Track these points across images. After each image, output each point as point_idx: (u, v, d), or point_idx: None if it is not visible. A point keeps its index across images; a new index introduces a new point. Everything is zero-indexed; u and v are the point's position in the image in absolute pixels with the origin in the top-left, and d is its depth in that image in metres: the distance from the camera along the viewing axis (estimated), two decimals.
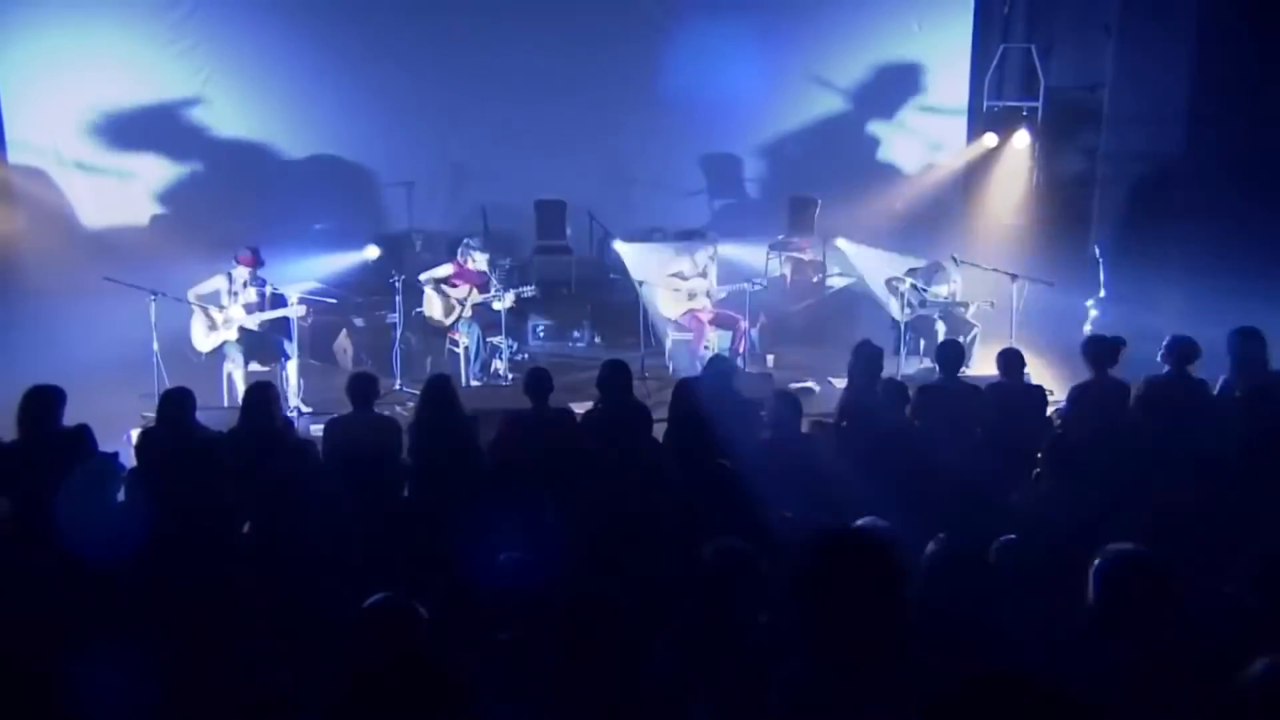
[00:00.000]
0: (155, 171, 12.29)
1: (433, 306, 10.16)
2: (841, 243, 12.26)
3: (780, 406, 6.52)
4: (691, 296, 10.21)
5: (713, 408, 6.80)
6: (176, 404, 6.43)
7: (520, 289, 10.18)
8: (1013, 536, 4.60)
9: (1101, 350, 7.19)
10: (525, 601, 4.28)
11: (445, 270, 10.21)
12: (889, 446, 6.42)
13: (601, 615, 3.49)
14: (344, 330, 10.73)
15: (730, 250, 11.81)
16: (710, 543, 4.32)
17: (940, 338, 9.95)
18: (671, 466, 6.36)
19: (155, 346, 8.85)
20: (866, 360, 7.31)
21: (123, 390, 9.13)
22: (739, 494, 5.68)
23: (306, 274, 10.93)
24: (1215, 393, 7.32)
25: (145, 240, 11.73)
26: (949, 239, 11.67)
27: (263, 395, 6.66)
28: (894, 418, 6.79)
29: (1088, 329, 10.75)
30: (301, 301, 9.20)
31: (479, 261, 10.25)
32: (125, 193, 12.19)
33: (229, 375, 9.21)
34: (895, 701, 2.90)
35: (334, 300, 10.01)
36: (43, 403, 6.12)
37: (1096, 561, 2.93)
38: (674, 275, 10.26)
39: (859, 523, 4.47)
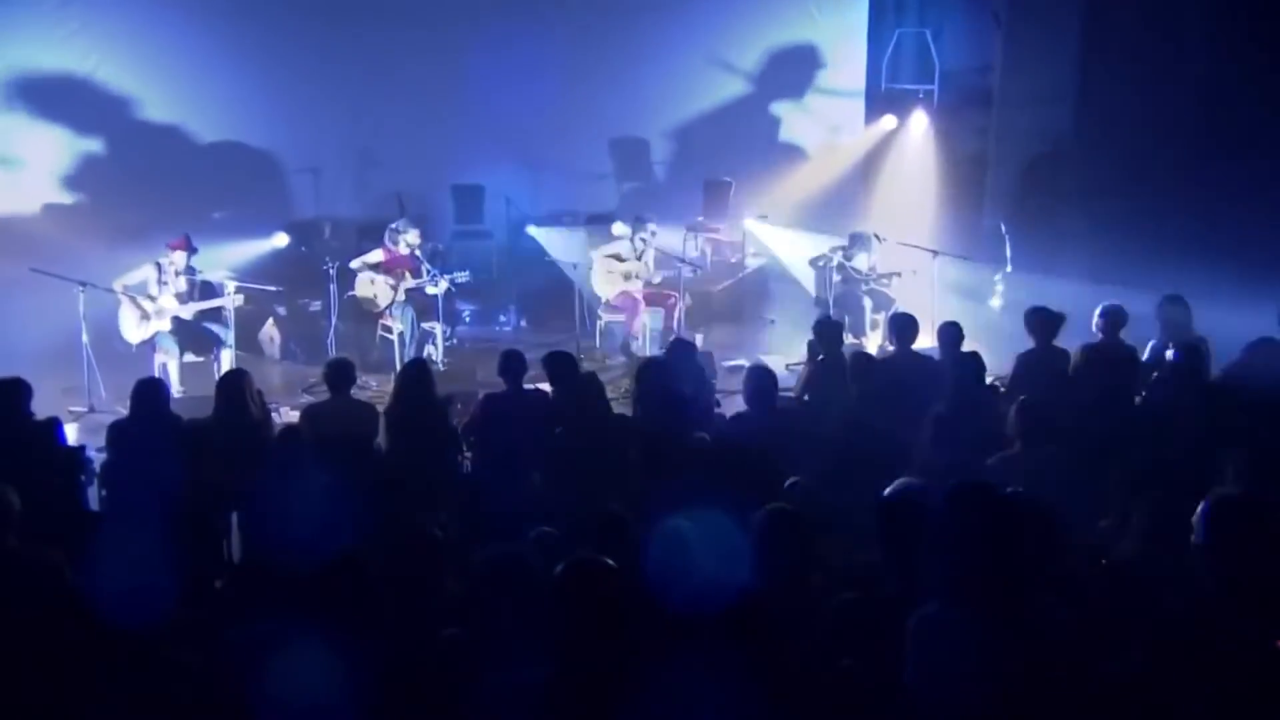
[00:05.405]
0: (47, 159, 11.74)
1: (367, 290, 10.02)
2: (751, 223, 12.52)
3: (759, 380, 6.66)
4: (627, 278, 10.31)
5: (680, 384, 6.98)
6: (151, 394, 6.31)
7: (454, 274, 10.10)
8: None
9: (1046, 320, 7.57)
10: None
11: (376, 256, 10.09)
12: (860, 417, 6.66)
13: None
14: (269, 319, 10.49)
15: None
16: (760, 510, 4.48)
17: (868, 313, 10.29)
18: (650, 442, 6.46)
19: (85, 339, 8.55)
20: (828, 336, 7.56)
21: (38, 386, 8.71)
22: (744, 463, 5.86)
23: (214, 263, 10.58)
24: (1145, 357, 7.79)
25: (40, 230, 11.16)
26: (857, 217, 12.05)
27: (238, 383, 6.53)
28: (862, 389, 7.01)
29: (995, 303, 11.30)
30: (239, 290, 8.97)
31: (411, 241, 10.09)
32: (13, 181, 11.62)
33: (163, 366, 8.94)
34: (1027, 641, 3.11)
35: (274, 289, 9.78)
36: (12, 394, 5.92)
37: (1204, 504, 3.20)
38: (611, 257, 10.34)
39: (895, 485, 4.68)
